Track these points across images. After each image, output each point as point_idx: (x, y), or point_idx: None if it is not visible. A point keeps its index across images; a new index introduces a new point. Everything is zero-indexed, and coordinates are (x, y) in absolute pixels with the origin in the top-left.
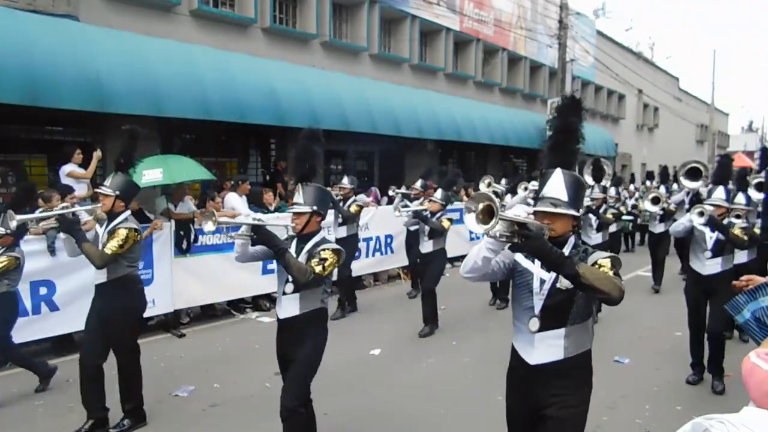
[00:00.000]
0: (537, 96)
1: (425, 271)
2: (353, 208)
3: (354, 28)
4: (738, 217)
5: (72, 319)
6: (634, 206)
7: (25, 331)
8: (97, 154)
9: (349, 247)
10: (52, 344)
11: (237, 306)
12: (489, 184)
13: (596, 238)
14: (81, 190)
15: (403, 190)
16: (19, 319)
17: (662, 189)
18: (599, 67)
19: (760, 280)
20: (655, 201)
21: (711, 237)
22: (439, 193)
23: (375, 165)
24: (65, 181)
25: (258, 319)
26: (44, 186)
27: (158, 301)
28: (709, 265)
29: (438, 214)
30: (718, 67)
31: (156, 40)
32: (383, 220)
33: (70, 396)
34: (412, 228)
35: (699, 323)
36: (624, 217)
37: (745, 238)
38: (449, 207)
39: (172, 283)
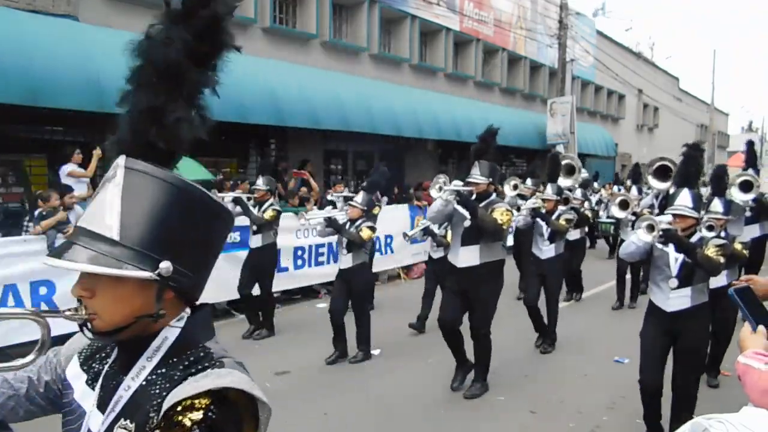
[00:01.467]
0: (537, 96)
1: (349, 290)
2: (269, 214)
3: (354, 28)
4: (711, 228)
5: None
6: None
7: (25, 331)
8: (97, 153)
9: (264, 258)
10: (52, 344)
11: (237, 306)
12: (440, 188)
13: (548, 250)
14: (81, 189)
15: (345, 193)
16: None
17: (634, 190)
18: (599, 67)
19: (761, 281)
20: (623, 205)
21: (677, 259)
22: (360, 197)
23: (375, 165)
24: (65, 180)
25: None
26: (44, 186)
27: None
28: (674, 299)
29: (358, 222)
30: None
31: None
32: (383, 220)
33: None
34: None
35: (657, 382)
36: (603, 220)
37: (721, 259)
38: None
39: None
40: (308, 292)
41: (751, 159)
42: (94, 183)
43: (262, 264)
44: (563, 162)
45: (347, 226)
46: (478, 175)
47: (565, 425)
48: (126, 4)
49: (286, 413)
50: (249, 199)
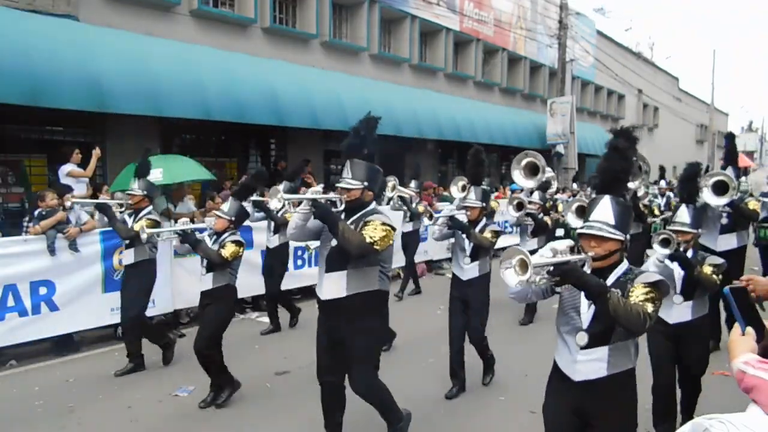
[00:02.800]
0: (537, 96)
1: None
2: (140, 224)
3: (354, 28)
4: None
5: (72, 319)
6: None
7: (25, 331)
8: (96, 153)
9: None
10: (52, 344)
11: (237, 306)
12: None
13: (470, 269)
14: (80, 189)
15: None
16: (19, 319)
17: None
18: (599, 67)
19: (762, 280)
20: (581, 212)
21: (680, 274)
22: (227, 204)
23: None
24: (64, 180)
25: (258, 319)
26: (44, 186)
27: (158, 301)
28: (677, 310)
29: (224, 235)
30: (718, 67)
31: (156, 40)
32: None
33: (70, 396)
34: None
35: (670, 388)
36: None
37: (718, 280)
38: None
39: (172, 283)
40: (308, 292)
41: (731, 155)
42: (94, 183)
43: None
44: (525, 160)
45: (213, 240)
46: (349, 179)
47: None
48: (126, 3)
49: (286, 413)
50: (122, 206)
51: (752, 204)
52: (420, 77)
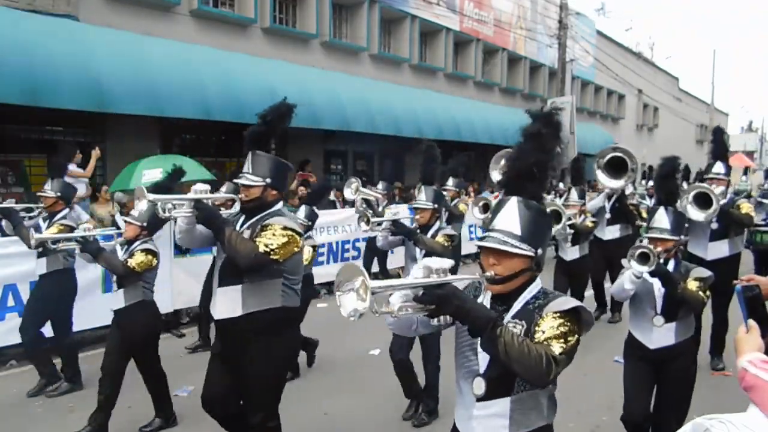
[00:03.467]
0: (537, 96)
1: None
2: (53, 230)
3: (354, 28)
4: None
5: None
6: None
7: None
8: (95, 153)
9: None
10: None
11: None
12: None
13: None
14: (80, 189)
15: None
16: (19, 319)
17: (573, 193)
18: (599, 67)
19: (762, 280)
20: (555, 217)
21: (661, 290)
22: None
23: (375, 165)
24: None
25: None
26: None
27: (158, 301)
28: (659, 333)
29: (135, 244)
30: (718, 67)
31: (156, 40)
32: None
33: (70, 396)
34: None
35: (639, 428)
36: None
37: (705, 297)
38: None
39: (172, 283)
40: None
41: (720, 149)
42: (93, 183)
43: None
44: (504, 160)
45: (124, 250)
46: (249, 175)
47: (565, 425)
48: (126, 3)
49: (287, 413)
50: (30, 210)
51: (745, 207)
52: (420, 77)
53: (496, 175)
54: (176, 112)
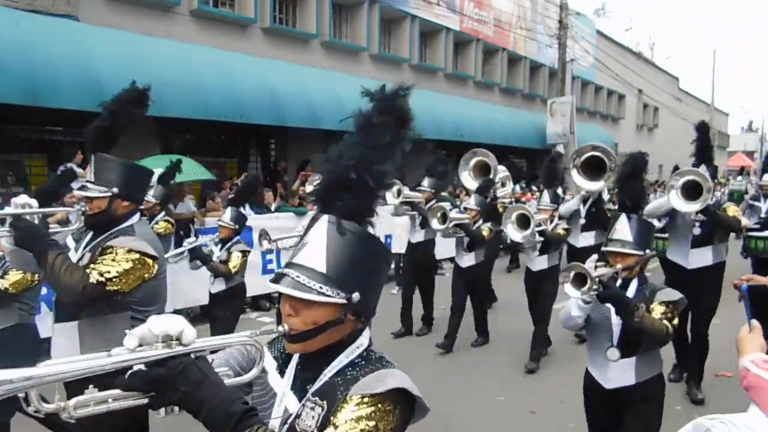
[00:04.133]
0: (537, 96)
1: None
2: None
3: (354, 28)
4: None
5: None
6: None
7: None
8: None
9: None
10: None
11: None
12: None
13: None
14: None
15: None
16: None
17: (545, 196)
18: (599, 67)
19: (761, 279)
20: (522, 222)
21: (618, 323)
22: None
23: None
24: None
25: (258, 319)
26: None
27: None
28: (615, 369)
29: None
30: (718, 67)
31: (156, 40)
32: (382, 220)
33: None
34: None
35: None
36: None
37: (670, 329)
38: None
39: (172, 283)
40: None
41: (703, 150)
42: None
43: None
44: (475, 159)
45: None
46: (91, 185)
47: (565, 425)
48: (126, 3)
49: None
50: None
51: (731, 210)
52: (420, 77)
53: (465, 177)
54: (176, 112)
